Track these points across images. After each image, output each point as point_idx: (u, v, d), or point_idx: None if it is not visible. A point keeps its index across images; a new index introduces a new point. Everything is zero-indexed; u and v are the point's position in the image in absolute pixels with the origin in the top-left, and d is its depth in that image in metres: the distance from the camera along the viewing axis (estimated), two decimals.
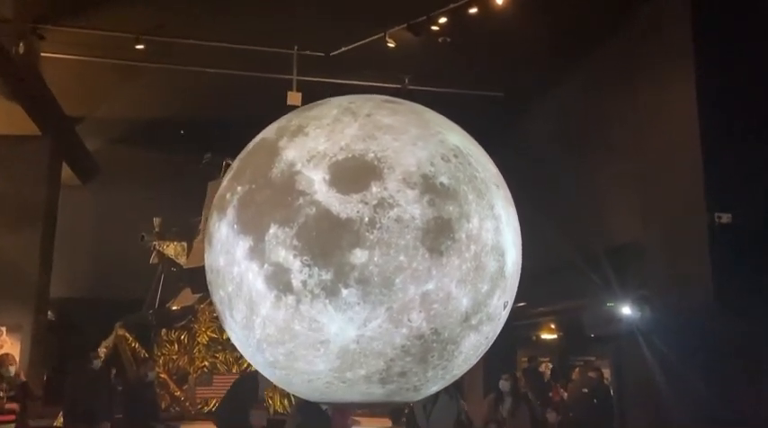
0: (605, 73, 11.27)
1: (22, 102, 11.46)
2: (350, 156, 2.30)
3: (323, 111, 2.52)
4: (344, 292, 2.19)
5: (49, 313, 14.16)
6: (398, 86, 11.74)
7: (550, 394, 10.82)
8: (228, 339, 10.31)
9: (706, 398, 7.64)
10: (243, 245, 2.31)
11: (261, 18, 10.60)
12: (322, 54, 11.42)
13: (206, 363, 11.33)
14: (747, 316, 7.68)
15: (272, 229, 2.23)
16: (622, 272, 9.63)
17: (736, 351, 7.60)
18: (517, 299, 2.80)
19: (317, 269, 2.19)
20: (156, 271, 13.24)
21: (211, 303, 10.54)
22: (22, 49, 10.47)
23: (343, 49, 11.22)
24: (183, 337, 11.60)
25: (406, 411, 7.47)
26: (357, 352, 2.27)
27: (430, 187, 2.30)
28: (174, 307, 12.40)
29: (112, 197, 15.85)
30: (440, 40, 10.82)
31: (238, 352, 9.67)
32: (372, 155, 2.30)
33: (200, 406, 10.89)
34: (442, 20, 10.30)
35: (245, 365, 11.20)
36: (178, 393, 11.16)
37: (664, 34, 9.38)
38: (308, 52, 11.40)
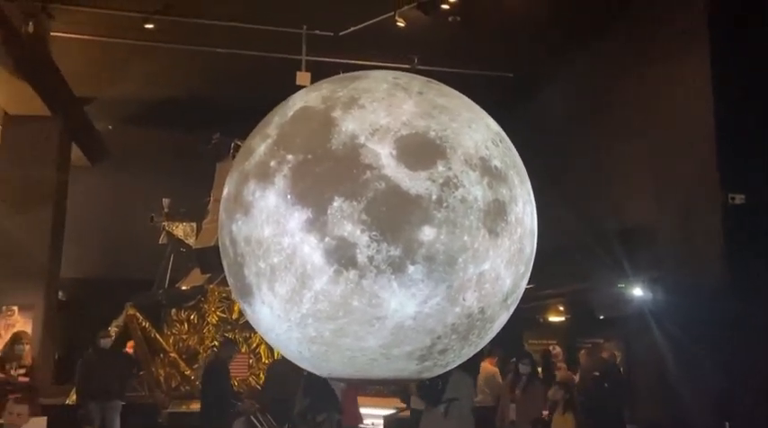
0: (618, 52, 11.14)
1: (32, 82, 11.46)
2: (413, 132, 2.28)
3: (370, 84, 2.49)
4: (411, 269, 2.19)
5: (60, 293, 14.28)
6: (408, 66, 11.64)
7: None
8: (238, 319, 10.32)
9: (718, 381, 7.63)
10: (299, 217, 2.23)
11: None
12: (331, 34, 11.34)
13: (215, 343, 11.40)
14: (761, 297, 7.65)
15: (337, 202, 2.18)
16: (634, 253, 9.57)
17: (749, 332, 7.57)
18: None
19: (385, 244, 2.17)
20: (166, 252, 13.30)
21: (220, 283, 10.53)
22: (31, 28, 10.45)
23: (353, 28, 11.14)
24: (192, 317, 11.66)
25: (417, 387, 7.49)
26: (411, 328, 2.28)
27: (487, 170, 2.35)
28: (184, 287, 12.46)
29: (122, 178, 15.91)
30: (450, 19, 10.72)
31: (247, 331, 9.70)
32: (434, 133, 2.31)
33: None
34: None
35: (254, 345, 11.29)
36: (188, 372, 11.24)
37: (677, 12, 9.26)
38: (316, 32, 11.33)
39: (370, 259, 2.17)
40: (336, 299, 2.23)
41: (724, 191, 8.08)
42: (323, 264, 2.21)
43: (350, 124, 2.29)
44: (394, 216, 2.17)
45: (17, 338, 8.64)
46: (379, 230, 2.16)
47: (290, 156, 2.31)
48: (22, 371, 8.38)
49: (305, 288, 2.25)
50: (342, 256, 2.19)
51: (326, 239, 2.19)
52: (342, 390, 6.95)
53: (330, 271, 2.20)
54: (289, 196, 2.26)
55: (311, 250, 2.21)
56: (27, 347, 8.63)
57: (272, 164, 2.34)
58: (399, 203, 2.18)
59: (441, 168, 2.23)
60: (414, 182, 2.19)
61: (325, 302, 2.25)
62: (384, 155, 2.21)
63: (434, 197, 2.20)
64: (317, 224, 2.20)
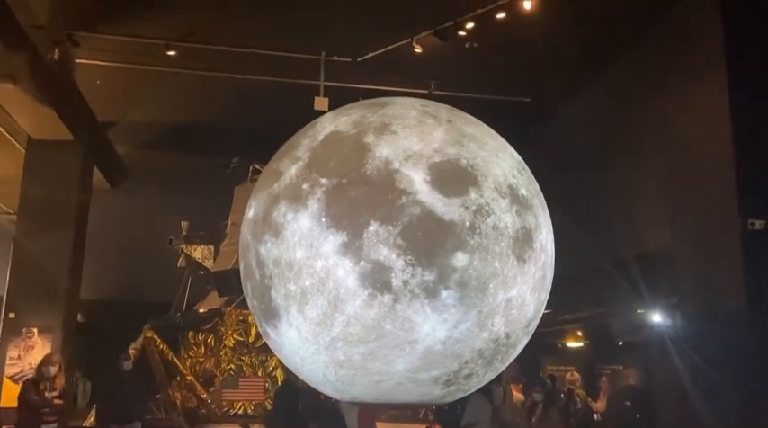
0: (634, 77, 11.16)
1: (56, 107, 11.66)
2: (445, 159, 2.32)
3: (399, 110, 2.52)
4: (444, 294, 2.21)
5: (79, 315, 14.36)
6: (425, 91, 11.74)
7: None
8: (254, 342, 10.33)
9: (739, 408, 7.50)
10: (333, 240, 2.23)
11: (288, 24, 10.70)
12: (349, 60, 11.49)
13: (232, 366, 11.41)
14: None
15: (373, 227, 2.19)
16: (652, 279, 9.49)
17: None
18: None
19: (420, 269, 2.18)
20: (184, 275, 13.38)
21: (238, 306, 10.57)
22: (56, 55, 10.68)
23: (370, 54, 11.27)
24: (209, 340, 11.70)
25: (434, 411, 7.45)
26: (440, 353, 2.28)
27: (515, 198, 2.39)
28: (201, 310, 12.52)
29: (141, 201, 16.08)
30: (467, 45, 10.81)
31: (264, 354, 9.66)
32: (465, 161, 2.34)
33: (226, 409, 10.96)
34: (470, 25, 10.31)
35: (270, 368, 11.28)
36: (205, 395, 11.24)
37: (694, 37, 9.27)
38: (334, 58, 11.49)
39: (405, 283, 2.17)
40: (369, 323, 2.22)
41: (743, 216, 8.00)
42: (357, 288, 2.20)
43: (383, 149, 2.31)
44: (429, 241, 2.17)
45: (45, 360, 8.74)
46: (415, 255, 2.16)
47: (323, 180, 2.31)
48: (55, 393, 8.42)
49: (337, 311, 2.24)
50: (377, 280, 2.18)
51: (362, 263, 2.19)
52: (358, 415, 6.91)
53: (364, 294, 2.20)
54: (323, 219, 2.26)
55: (345, 273, 2.21)
56: (55, 369, 8.65)
57: (305, 187, 2.33)
58: (434, 229, 2.18)
59: (473, 195, 2.26)
60: (448, 208, 2.21)
61: (358, 325, 2.23)
62: (418, 180, 2.23)
63: (467, 223, 2.22)
64: (353, 247, 2.20)
